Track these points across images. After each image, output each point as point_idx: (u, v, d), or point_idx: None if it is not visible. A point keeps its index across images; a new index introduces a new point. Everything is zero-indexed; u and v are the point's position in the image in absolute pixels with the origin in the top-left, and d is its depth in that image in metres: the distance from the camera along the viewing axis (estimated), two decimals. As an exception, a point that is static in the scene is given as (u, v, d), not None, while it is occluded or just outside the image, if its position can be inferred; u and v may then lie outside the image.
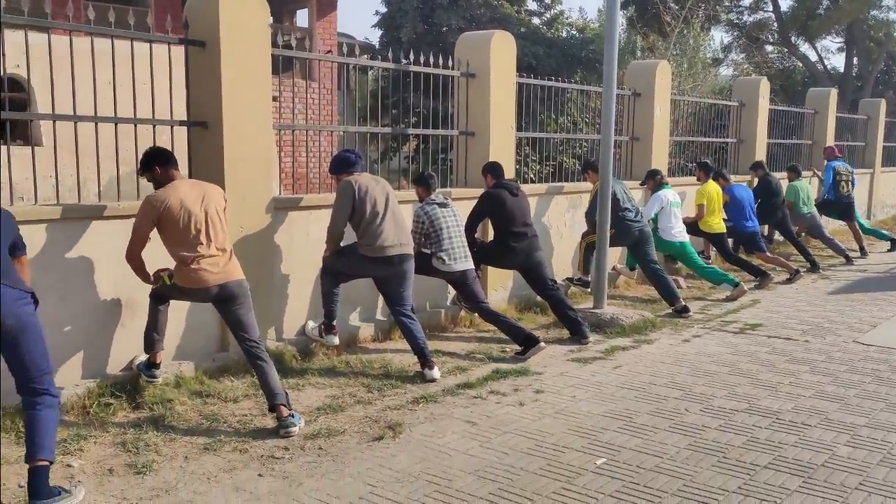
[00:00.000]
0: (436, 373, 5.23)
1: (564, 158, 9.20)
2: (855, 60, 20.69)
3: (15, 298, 3.47)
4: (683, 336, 6.60)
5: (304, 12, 15.03)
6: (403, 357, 5.75)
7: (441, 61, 6.75)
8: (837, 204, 11.78)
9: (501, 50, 7.14)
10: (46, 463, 3.32)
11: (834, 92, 14.56)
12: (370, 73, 7.29)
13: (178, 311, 4.93)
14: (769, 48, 20.68)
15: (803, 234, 11.38)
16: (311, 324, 5.74)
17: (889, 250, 12.30)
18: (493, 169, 6.71)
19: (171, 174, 4.45)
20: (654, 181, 8.57)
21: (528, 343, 5.80)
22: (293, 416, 4.26)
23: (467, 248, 6.01)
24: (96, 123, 4.72)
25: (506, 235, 6.46)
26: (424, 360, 5.27)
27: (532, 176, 10.89)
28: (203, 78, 5.10)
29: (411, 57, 6.52)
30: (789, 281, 9.46)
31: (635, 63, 10.35)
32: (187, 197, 4.39)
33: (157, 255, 4.48)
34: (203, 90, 5.11)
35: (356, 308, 6.17)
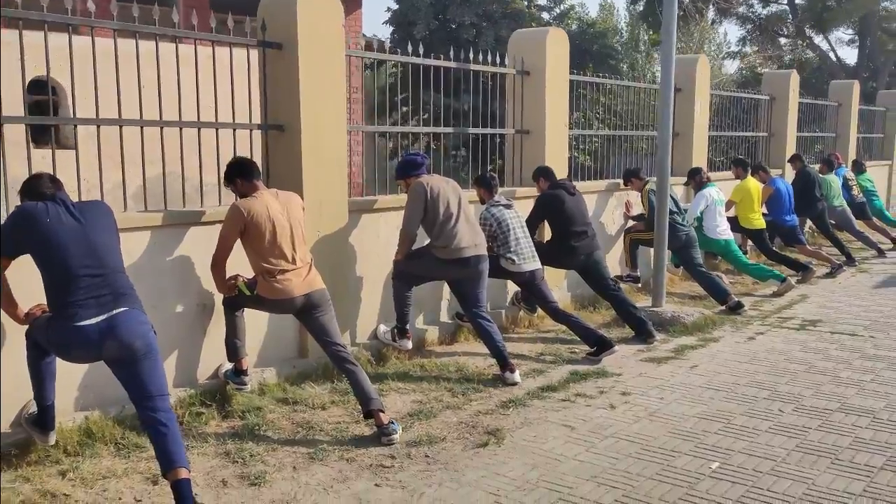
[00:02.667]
0: (517, 376, 5.17)
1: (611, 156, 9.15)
2: (867, 52, 20.67)
3: (141, 321, 3.42)
4: (747, 333, 6.57)
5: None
6: (475, 360, 5.71)
7: (490, 59, 6.69)
8: (851, 207, 11.64)
9: (556, 47, 7.08)
10: (188, 475, 3.26)
11: (857, 84, 14.54)
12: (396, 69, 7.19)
13: (256, 319, 4.86)
14: (782, 41, 20.66)
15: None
16: (382, 328, 5.68)
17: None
18: (546, 172, 6.67)
19: (253, 185, 4.40)
20: (697, 179, 8.53)
21: (600, 345, 5.75)
22: (393, 423, 4.20)
23: (534, 248, 5.97)
24: (161, 128, 4.61)
25: (566, 235, 6.41)
26: (504, 363, 5.21)
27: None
28: (280, 80, 5.03)
29: (470, 55, 6.45)
30: (831, 275, 9.45)
31: (676, 58, 10.27)
32: (272, 207, 4.34)
33: (236, 265, 4.43)
34: (280, 93, 5.04)
35: (421, 311, 6.11)
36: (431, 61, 6.10)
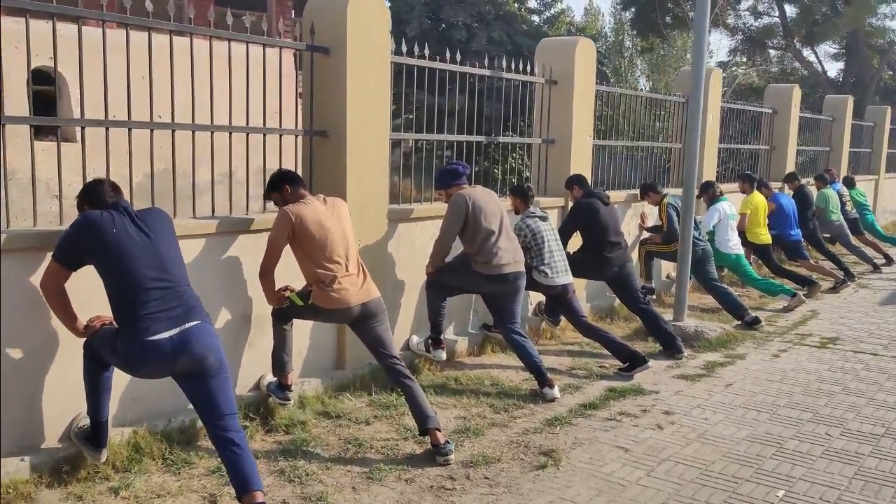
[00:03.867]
0: (556, 391, 5.10)
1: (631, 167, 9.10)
2: (854, 67, 20.98)
3: (213, 334, 3.30)
4: (770, 350, 6.57)
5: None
6: (507, 373, 5.65)
7: (515, 66, 6.60)
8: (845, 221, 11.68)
9: (585, 56, 7.03)
10: (264, 498, 3.15)
11: (850, 100, 14.71)
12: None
13: (296, 328, 4.73)
14: (772, 52, 20.92)
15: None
16: (415, 338, 5.58)
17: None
18: (580, 181, 6.63)
19: (300, 194, 4.28)
20: (709, 193, 8.53)
21: (633, 361, 5.70)
22: (449, 443, 4.11)
23: (566, 262, 5.90)
24: (212, 133, 4.46)
25: (600, 246, 6.36)
26: (543, 378, 5.13)
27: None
28: (326, 85, 4.91)
29: (504, 63, 6.36)
30: (834, 290, 9.53)
31: (685, 70, 10.31)
32: (322, 212, 4.22)
33: (285, 274, 4.30)
34: (325, 98, 4.91)
35: (451, 322, 6.01)
36: (468, 69, 6.01)
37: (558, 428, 4.61)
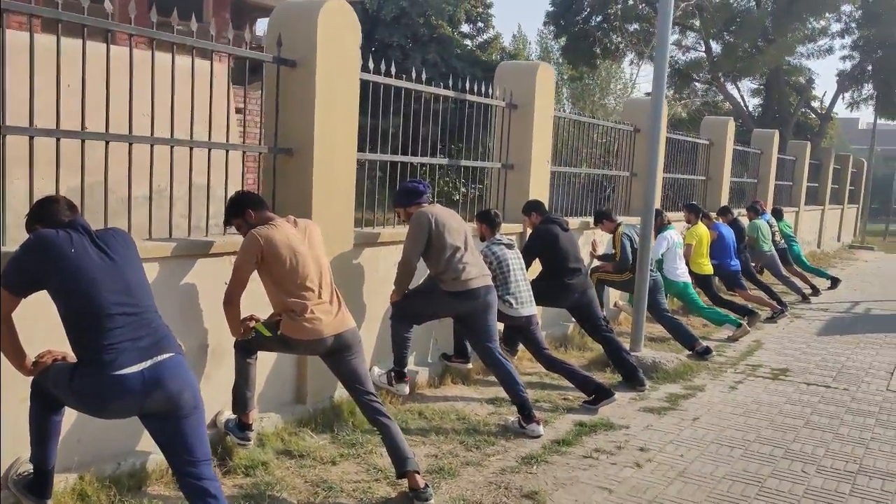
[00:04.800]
0: (541, 429, 4.87)
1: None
2: (773, 102, 21.81)
3: (187, 368, 2.95)
4: (726, 382, 6.54)
5: (264, 21, 14.32)
6: (471, 405, 5.45)
7: (483, 89, 6.44)
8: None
9: (545, 81, 6.92)
10: None
11: (777, 134, 15.20)
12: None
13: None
14: (698, 86, 21.61)
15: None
16: (376, 370, 5.28)
17: (829, 288, 12.85)
18: (538, 207, 6.50)
19: (266, 216, 3.97)
20: (657, 221, 8.53)
21: (599, 394, 5.55)
22: (428, 487, 3.83)
23: (531, 292, 5.73)
24: (152, 146, 3.99)
25: (560, 272, 6.22)
26: (528, 413, 4.89)
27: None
28: (292, 100, 4.61)
29: (466, 85, 6.17)
30: (772, 319, 9.69)
31: (632, 99, 10.39)
32: (292, 236, 3.92)
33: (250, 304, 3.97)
34: (291, 114, 4.61)
35: (412, 351, 5.73)
36: (433, 89, 5.80)
37: (535, 467, 4.39)
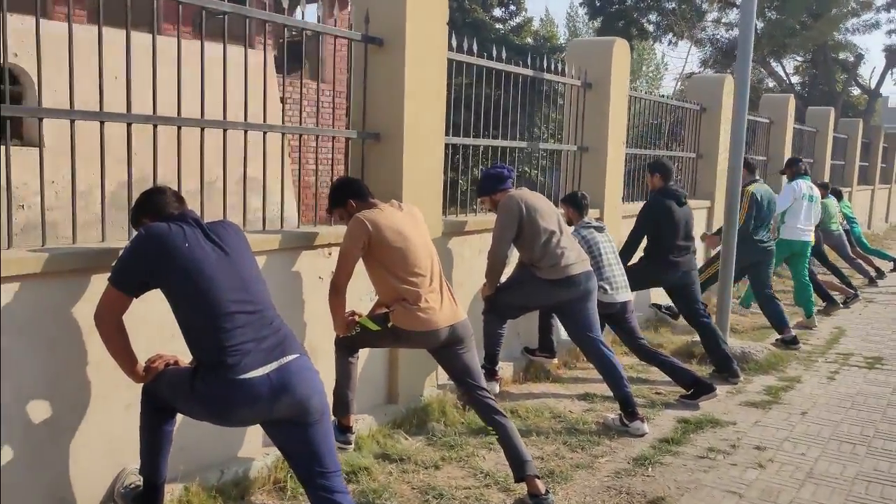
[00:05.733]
0: (646, 427, 4.57)
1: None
2: (817, 80, 21.19)
3: (315, 370, 2.70)
4: (822, 373, 6.19)
5: (312, 7, 14.07)
6: (562, 402, 5.16)
7: (556, 68, 6.12)
8: None
9: (621, 59, 6.58)
10: None
11: (832, 112, 14.70)
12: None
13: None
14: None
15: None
16: None
17: (892, 270, 12.36)
18: (663, 168, 6.06)
19: (370, 203, 3.71)
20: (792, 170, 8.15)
21: (699, 388, 5.23)
22: (550, 493, 3.55)
23: (626, 277, 5.41)
24: (225, 131, 3.67)
25: (668, 249, 5.88)
26: (632, 410, 4.57)
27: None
28: (379, 82, 4.32)
29: (544, 64, 5.85)
30: (845, 305, 9.29)
31: (698, 77, 10.00)
32: (399, 220, 3.64)
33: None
34: (379, 96, 4.33)
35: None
36: (513, 68, 5.50)
37: (650, 469, 4.09)
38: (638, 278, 5.73)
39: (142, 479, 2.90)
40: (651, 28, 21.90)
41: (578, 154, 6.55)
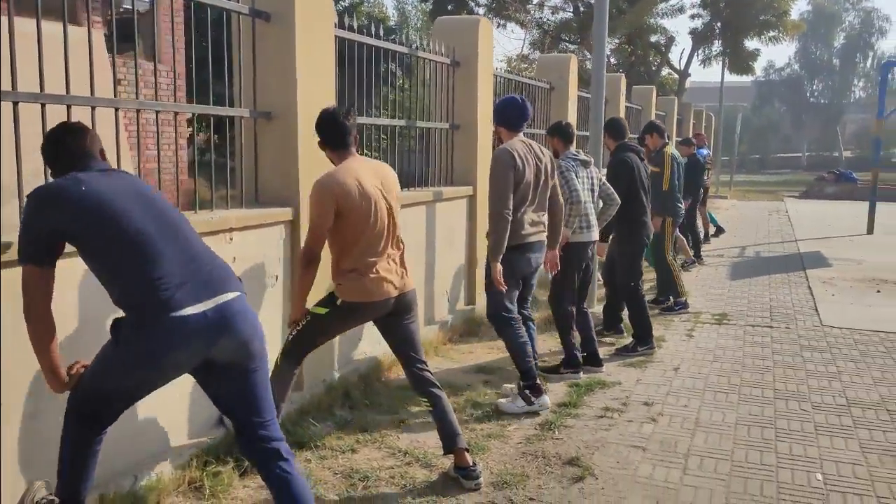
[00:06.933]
0: (547, 400, 4.67)
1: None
2: (633, 61, 22.63)
3: (254, 312, 2.55)
4: (681, 331, 6.68)
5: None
6: (455, 377, 5.21)
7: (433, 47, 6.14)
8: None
9: (486, 37, 6.69)
10: None
11: (623, 78, 15.74)
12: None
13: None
14: (570, 46, 22.05)
15: None
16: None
17: (714, 235, 13.51)
18: (617, 127, 6.17)
19: (347, 152, 3.54)
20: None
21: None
22: (478, 464, 3.60)
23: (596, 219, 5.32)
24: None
25: (639, 208, 5.93)
26: (534, 385, 4.59)
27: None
28: (269, 59, 4.14)
29: (419, 41, 5.85)
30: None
31: (546, 57, 10.34)
32: (364, 178, 3.45)
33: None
34: (269, 74, 4.15)
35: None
36: (392, 45, 5.45)
37: (556, 432, 4.26)
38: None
39: (58, 500, 2.62)
40: (481, 11, 22.36)
41: (450, 131, 6.61)
